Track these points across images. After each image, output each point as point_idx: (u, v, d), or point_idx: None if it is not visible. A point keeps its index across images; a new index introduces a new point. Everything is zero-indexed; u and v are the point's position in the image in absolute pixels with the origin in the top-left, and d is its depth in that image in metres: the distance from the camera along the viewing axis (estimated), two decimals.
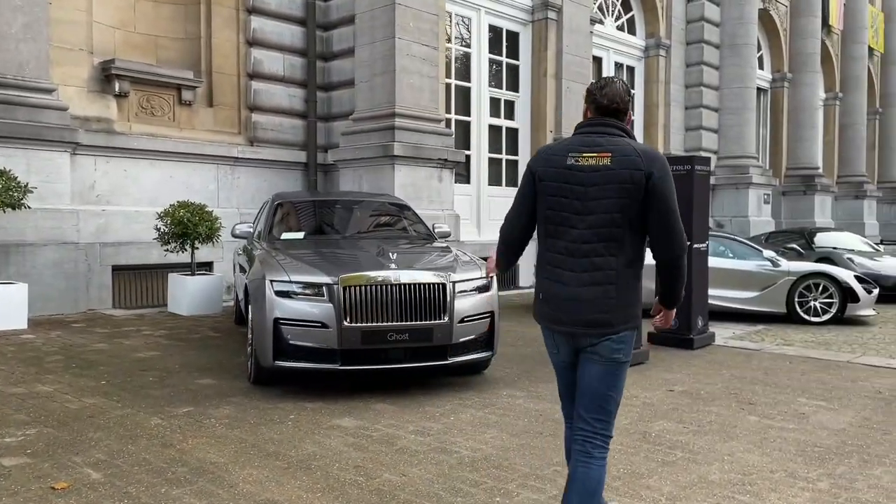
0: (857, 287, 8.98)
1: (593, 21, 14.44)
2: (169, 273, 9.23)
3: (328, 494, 3.38)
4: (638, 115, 16.71)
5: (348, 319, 4.95)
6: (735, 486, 3.55)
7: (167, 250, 8.76)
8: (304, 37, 11.27)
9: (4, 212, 7.67)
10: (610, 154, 2.58)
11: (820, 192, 20.34)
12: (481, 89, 12.90)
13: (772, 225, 18.00)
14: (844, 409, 5.02)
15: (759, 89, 19.61)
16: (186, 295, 8.82)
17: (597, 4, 15.22)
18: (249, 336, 5.51)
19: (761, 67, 20.30)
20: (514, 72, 13.60)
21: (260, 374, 5.31)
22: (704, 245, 7.55)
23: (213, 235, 8.79)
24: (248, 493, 3.37)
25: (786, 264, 9.19)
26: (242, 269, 6.86)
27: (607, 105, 2.68)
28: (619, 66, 16.28)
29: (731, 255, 9.40)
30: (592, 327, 2.60)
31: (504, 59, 13.40)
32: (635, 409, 4.91)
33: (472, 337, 5.31)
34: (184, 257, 9.00)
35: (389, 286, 5.03)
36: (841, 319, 8.98)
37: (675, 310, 2.82)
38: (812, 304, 9.01)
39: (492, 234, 12.13)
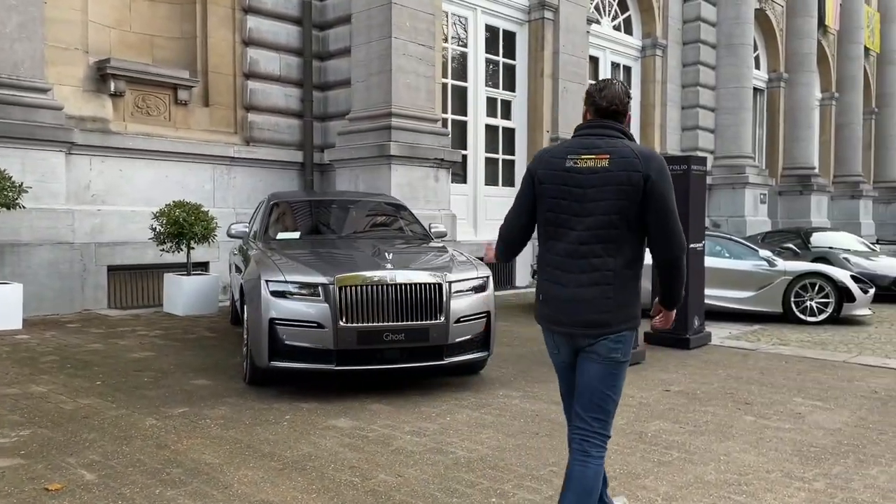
0: (854, 287, 8.99)
1: (590, 21, 14.44)
2: (165, 273, 9.21)
3: (323, 495, 3.36)
4: (634, 115, 16.71)
5: (344, 320, 4.94)
6: (731, 486, 3.55)
7: (163, 250, 8.74)
8: (300, 36, 11.25)
9: None
10: (608, 156, 2.59)
11: (816, 191, 20.38)
12: (478, 89, 12.89)
13: (768, 225, 18.02)
14: (840, 408, 5.03)
15: (755, 89, 19.64)
16: (182, 295, 8.80)
17: (593, 4, 15.22)
18: (245, 336, 5.50)
19: (758, 67, 20.32)
20: (510, 71, 13.60)
21: (255, 375, 5.30)
22: (701, 245, 7.55)
23: (208, 235, 8.77)
24: (242, 494, 3.36)
25: (782, 264, 9.20)
26: (238, 270, 6.84)
27: (606, 107, 2.69)
28: (615, 65, 16.28)
29: (727, 254, 9.41)
30: (590, 327, 2.61)
31: (500, 59, 13.39)
32: (631, 409, 4.90)
33: (468, 337, 5.30)
34: (180, 257, 8.98)
35: (385, 286, 5.02)
36: (837, 319, 8.99)
37: (675, 311, 2.82)
38: (808, 303, 9.02)
39: (488, 234, 12.15)
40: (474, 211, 12.80)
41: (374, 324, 4.98)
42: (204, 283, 9.00)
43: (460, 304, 5.23)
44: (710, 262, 8.41)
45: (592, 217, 2.58)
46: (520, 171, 13.45)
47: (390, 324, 5.00)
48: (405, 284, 5.05)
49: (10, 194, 7.60)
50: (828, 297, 8.98)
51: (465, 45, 12.77)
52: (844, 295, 8.95)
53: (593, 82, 2.84)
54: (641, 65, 16.91)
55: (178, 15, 10.46)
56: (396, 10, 10.15)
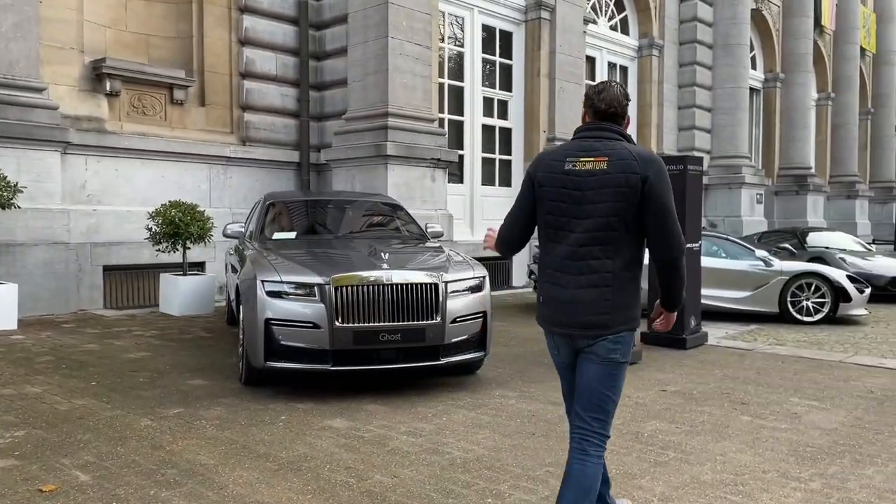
0: (850, 287, 9.01)
1: (586, 21, 14.45)
2: (160, 273, 9.19)
3: (319, 496, 3.35)
4: (631, 115, 16.63)
5: (340, 320, 4.93)
6: (727, 486, 3.55)
7: (159, 250, 8.72)
8: (296, 36, 11.24)
9: None
10: (606, 158, 2.60)
11: (812, 191, 20.43)
12: (474, 89, 12.89)
13: (764, 225, 18.06)
14: (836, 408, 5.03)
15: (751, 89, 19.67)
16: (178, 295, 8.78)
17: (590, 4, 15.23)
18: (241, 336, 5.48)
19: (754, 67, 20.36)
20: (507, 71, 13.60)
21: (251, 375, 5.29)
22: (697, 245, 7.56)
23: (204, 235, 8.75)
24: (238, 495, 3.34)
25: (778, 264, 9.21)
26: (234, 270, 6.83)
27: (605, 109, 2.70)
28: (612, 65, 16.30)
29: (723, 254, 9.41)
30: (589, 329, 2.63)
31: (497, 59, 13.39)
32: (628, 409, 4.90)
33: (464, 337, 5.30)
34: (175, 257, 8.96)
35: (381, 286, 5.01)
36: (833, 319, 9.01)
37: (675, 312, 2.82)
38: (804, 303, 9.04)
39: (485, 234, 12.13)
40: (471, 211, 12.80)
41: (371, 324, 4.97)
42: (200, 283, 8.98)
43: (457, 305, 5.23)
44: (706, 262, 8.42)
45: (591, 219, 2.60)
46: (516, 171, 13.46)
47: (386, 324, 4.99)
48: (401, 284, 5.04)
49: (6, 194, 7.58)
50: (824, 297, 8.99)
51: (461, 45, 12.77)
52: (841, 295, 8.96)
53: (591, 83, 2.84)
54: (638, 65, 16.93)
55: (174, 14, 10.44)
56: (393, 9, 10.14)
